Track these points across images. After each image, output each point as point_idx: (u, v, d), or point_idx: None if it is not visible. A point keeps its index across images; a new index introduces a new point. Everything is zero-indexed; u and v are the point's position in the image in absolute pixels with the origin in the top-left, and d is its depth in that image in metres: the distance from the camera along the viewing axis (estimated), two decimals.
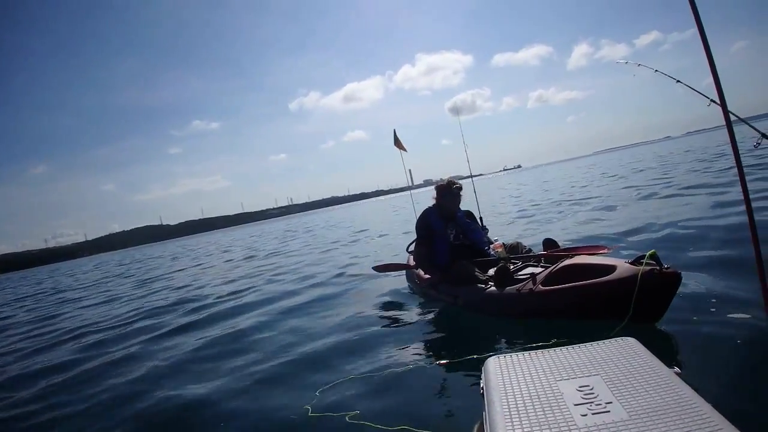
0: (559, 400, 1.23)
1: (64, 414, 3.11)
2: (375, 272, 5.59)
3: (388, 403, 2.40)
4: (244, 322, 4.85)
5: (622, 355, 1.41)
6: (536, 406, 1.23)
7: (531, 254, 3.91)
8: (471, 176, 5.89)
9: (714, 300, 2.89)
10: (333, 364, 3.11)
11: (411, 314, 4.08)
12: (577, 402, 1.21)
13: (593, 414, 1.15)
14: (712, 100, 2.03)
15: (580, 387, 1.28)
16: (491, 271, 3.68)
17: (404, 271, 5.31)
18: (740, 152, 2.02)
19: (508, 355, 1.55)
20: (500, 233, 7.13)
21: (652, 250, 2.52)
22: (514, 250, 4.08)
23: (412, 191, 7.80)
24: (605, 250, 3.54)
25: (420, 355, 3.04)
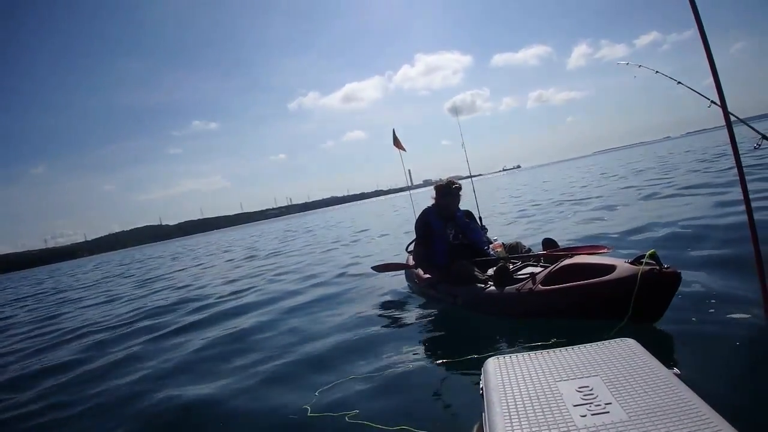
0: (558, 401, 1.23)
1: (67, 414, 3.10)
2: (374, 272, 5.59)
3: (387, 403, 2.40)
4: (244, 322, 4.86)
5: (622, 356, 1.41)
6: (536, 407, 1.23)
7: (530, 254, 3.91)
8: (470, 176, 5.88)
9: (714, 300, 2.89)
10: (332, 364, 3.11)
11: (410, 314, 4.08)
12: (577, 403, 1.21)
13: (592, 415, 1.15)
14: (712, 101, 2.04)
15: (579, 388, 1.28)
16: (491, 271, 3.68)
17: (403, 271, 5.31)
18: (740, 153, 2.02)
19: (507, 356, 1.54)
20: (501, 233, 7.13)
21: (652, 250, 2.52)
22: (514, 249, 4.07)
23: (411, 191, 7.80)
24: (605, 250, 3.54)
25: (419, 355, 3.03)
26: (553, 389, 1.29)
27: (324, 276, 7.02)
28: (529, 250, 4.08)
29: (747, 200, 2.34)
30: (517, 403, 1.26)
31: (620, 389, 1.23)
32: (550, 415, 1.18)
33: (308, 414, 2.38)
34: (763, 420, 1.71)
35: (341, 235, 16.21)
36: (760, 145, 2.17)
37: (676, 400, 1.14)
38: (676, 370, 1.31)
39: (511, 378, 1.39)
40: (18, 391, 3.87)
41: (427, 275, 4.29)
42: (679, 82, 2.56)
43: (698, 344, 2.40)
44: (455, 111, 6.50)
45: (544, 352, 1.54)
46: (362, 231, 16.09)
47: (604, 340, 1.55)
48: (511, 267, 3.58)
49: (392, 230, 13.70)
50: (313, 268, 8.29)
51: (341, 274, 6.86)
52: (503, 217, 11.05)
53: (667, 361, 2.23)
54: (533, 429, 1.14)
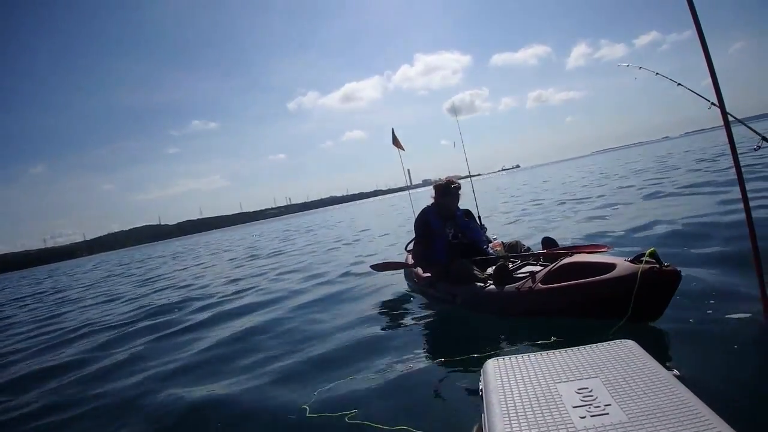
0: (558, 402, 1.23)
1: (69, 415, 3.09)
2: (373, 271, 5.59)
3: (386, 403, 2.40)
4: (244, 322, 4.85)
5: (621, 357, 1.40)
6: (535, 408, 1.22)
7: (530, 253, 3.90)
8: (470, 176, 5.88)
9: (714, 298, 2.89)
10: (331, 364, 3.10)
11: (409, 313, 4.08)
12: (576, 404, 1.21)
13: (592, 416, 1.15)
14: (712, 103, 2.04)
15: (579, 389, 1.28)
16: (490, 270, 3.68)
17: (402, 270, 5.31)
18: (740, 153, 2.02)
19: (507, 357, 1.54)
20: (502, 232, 7.13)
21: (652, 248, 2.52)
22: (513, 248, 4.07)
23: (410, 191, 7.80)
24: (605, 249, 3.54)
25: (419, 355, 3.03)
26: (552, 391, 1.29)
27: (326, 276, 7.01)
28: (529, 249, 4.08)
29: (745, 200, 2.35)
30: (517, 404, 1.26)
31: (620, 391, 1.23)
32: (550, 417, 1.18)
33: (307, 414, 2.37)
34: (763, 421, 1.71)
35: (342, 234, 16.21)
36: (760, 147, 2.17)
37: (676, 402, 1.14)
38: (675, 371, 1.31)
39: (510, 379, 1.39)
40: (20, 391, 3.86)
41: (427, 274, 4.29)
42: (679, 84, 2.56)
43: (698, 344, 2.40)
44: (454, 111, 6.49)
45: (544, 353, 1.53)
46: (363, 231, 16.09)
47: (604, 341, 1.55)
48: (510, 266, 3.58)
49: (393, 230, 13.70)
50: (315, 267, 8.29)
51: (341, 274, 6.85)
52: (505, 217, 11.05)
53: (667, 361, 2.24)
54: (533, 430, 1.14)
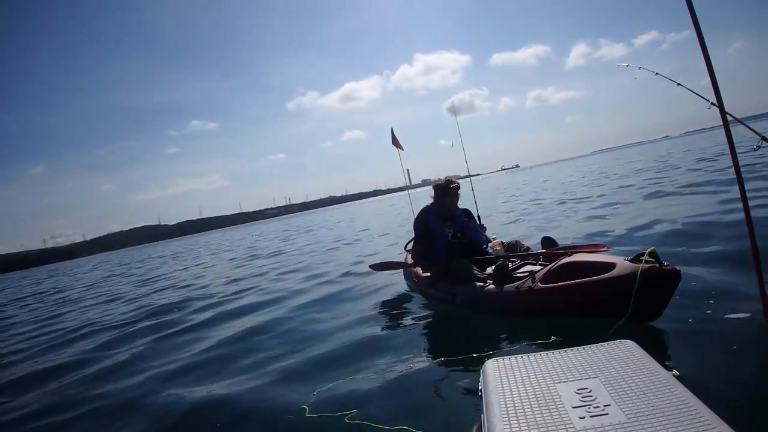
0: (557, 403, 1.23)
1: (71, 416, 3.08)
2: (372, 270, 5.58)
3: (386, 403, 2.39)
4: (243, 323, 4.84)
5: (621, 357, 1.40)
6: (534, 409, 1.22)
7: (529, 253, 3.90)
8: (469, 176, 5.88)
9: (714, 298, 2.89)
10: (330, 364, 3.10)
11: (409, 313, 4.08)
12: (576, 404, 1.21)
13: (591, 417, 1.15)
14: (712, 103, 2.04)
15: (578, 389, 1.27)
16: (489, 270, 3.67)
17: (401, 270, 5.31)
18: (740, 153, 2.01)
19: (506, 358, 1.54)
20: (502, 232, 7.14)
21: (651, 248, 2.52)
22: (513, 248, 4.07)
23: (410, 191, 7.80)
24: (604, 249, 3.53)
25: (418, 354, 3.03)
26: (552, 391, 1.29)
27: (326, 276, 7.01)
28: (528, 248, 4.07)
29: (744, 200, 2.35)
30: (516, 404, 1.26)
31: (619, 391, 1.23)
32: (549, 417, 1.18)
33: (306, 414, 2.37)
34: (763, 421, 1.70)
35: (342, 234, 16.21)
36: (759, 146, 2.17)
37: (676, 402, 1.14)
38: (675, 371, 1.31)
39: (510, 380, 1.39)
40: (22, 391, 3.86)
41: (426, 274, 4.29)
42: (679, 84, 2.55)
43: (698, 344, 2.39)
44: (453, 111, 6.49)
45: (543, 353, 1.53)
46: (363, 230, 16.09)
47: (604, 341, 1.55)
48: (510, 265, 3.58)
49: (393, 229, 13.70)
50: (315, 267, 8.28)
51: (341, 274, 6.84)
52: (506, 216, 11.05)
53: (666, 361, 2.23)
54: (532, 431, 1.14)
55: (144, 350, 4.47)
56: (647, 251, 2.50)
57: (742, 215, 2.40)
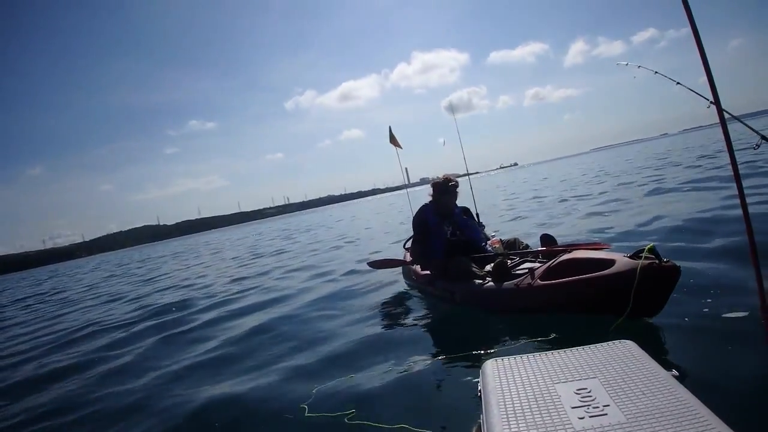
0: (556, 403, 1.22)
1: (76, 416, 3.09)
2: (371, 268, 5.57)
3: (385, 402, 2.39)
4: (244, 323, 4.84)
5: (620, 357, 1.39)
6: (533, 409, 1.22)
7: (528, 250, 3.89)
8: (467, 174, 5.87)
9: (714, 295, 2.89)
10: (329, 363, 3.10)
11: (408, 311, 4.08)
12: (575, 405, 1.20)
13: (590, 417, 1.14)
14: (711, 102, 2.02)
15: (577, 390, 1.27)
16: (488, 267, 3.67)
17: (400, 268, 5.30)
18: (740, 150, 2.00)
19: (505, 358, 1.53)
20: (503, 230, 7.13)
21: (651, 244, 2.51)
22: (512, 246, 4.06)
23: (408, 189, 7.79)
24: (604, 247, 3.52)
25: (417, 353, 3.02)
26: (551, 391, 1.28)
27: (325, 276, 7.00)
28: (527, 246, 4.06)
29: (742, 196, 2.34)
30: (515, 405, 1.25)
31: (618, 391, 1.22)
32: (548, 417, 1.17)
33: (305, 414, 2.36)
34: (763, 421, 1.70)
35: (344, 232, 16.20)
36: (759, 145, 2.16)
37: (675, 403, 1.13)
38: (674, 371, 1.30)
39: (509, 380, 1.38)
40: (26, 392, 3.85)
41: (425, 272, 4.29)
42: (678, 83, 2.54)
43: (697, 341, 2.39)
44: (452, 109, 6.47)
45: (542, 354, 1.53)
46: (366, 229, 16.09)
47: (603, 339, 1.54)
48: (509, 262, 3.57)
49: (394, 227, 13.70)
50: (317, 266, 8.28)
51: (345, 273, 6.81)
52: (507, 214, 11.05)
53: (666, 360, 2.23)
54: (531, 431, 1.13)
55: (147, 351, 4.46)
56: (647, 247, 2.50)
57: (741, 212, 2.39)
